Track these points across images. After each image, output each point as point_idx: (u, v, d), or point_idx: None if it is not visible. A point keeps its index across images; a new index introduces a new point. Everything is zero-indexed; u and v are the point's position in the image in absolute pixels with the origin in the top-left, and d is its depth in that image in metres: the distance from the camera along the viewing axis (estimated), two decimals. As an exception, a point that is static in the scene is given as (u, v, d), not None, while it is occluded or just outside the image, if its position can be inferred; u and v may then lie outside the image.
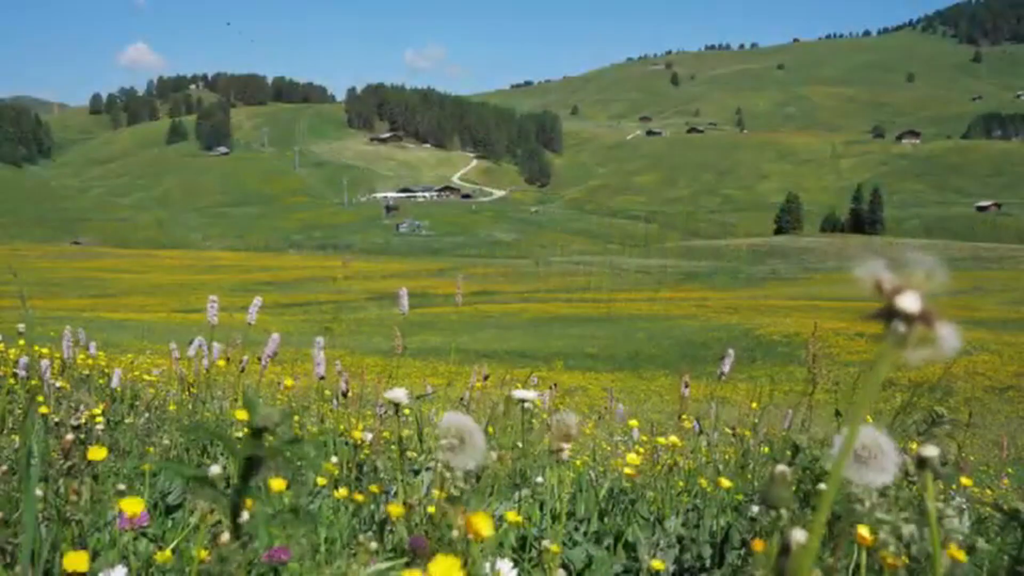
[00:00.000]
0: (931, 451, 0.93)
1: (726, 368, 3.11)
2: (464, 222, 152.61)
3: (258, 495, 0.80)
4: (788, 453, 1.43)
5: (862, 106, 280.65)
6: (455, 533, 1.06)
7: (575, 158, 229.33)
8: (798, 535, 0.77)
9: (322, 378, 3.14)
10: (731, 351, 3.15)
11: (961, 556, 0.97)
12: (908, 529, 0.98)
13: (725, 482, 2.35)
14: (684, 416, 3.27)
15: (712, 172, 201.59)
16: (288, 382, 4.22)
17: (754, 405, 3.29)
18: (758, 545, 0.99)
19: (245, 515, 0.81)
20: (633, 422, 4.25)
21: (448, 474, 1.05)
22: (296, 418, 4.71)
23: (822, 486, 0.98)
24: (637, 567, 2.20)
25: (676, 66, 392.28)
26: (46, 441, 2.41)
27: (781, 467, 0.86)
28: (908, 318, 0.52)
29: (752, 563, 0.83)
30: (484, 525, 0.95)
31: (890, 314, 0.52)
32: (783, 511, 0.84)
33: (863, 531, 1.02)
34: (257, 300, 3.24)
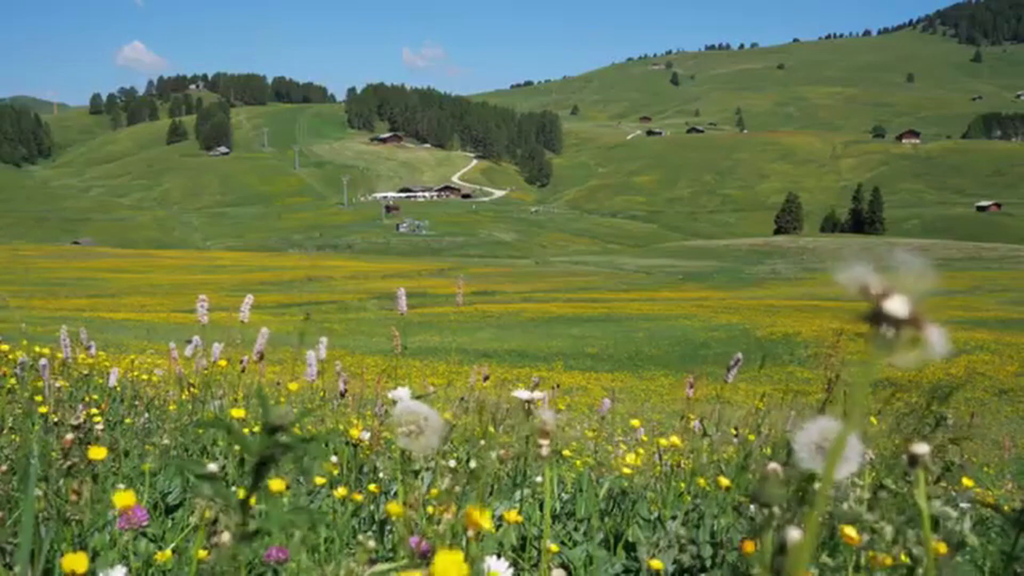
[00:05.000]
0: (922, 448, 0.92)
1: (731, 375, 3.09)
2: (464, 222, 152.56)
3: (267, 493, 0.81)
4: (787, 453, 1.42)
5: (862, 106, 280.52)
6: (441, 527, 1.06)
7: (575, 158, 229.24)
8: (794, 534, 0.77)
9: (314, 380, 3.15)
10: (739, 356, 3.13)
11: (942, 548, 0.97)
12: (890, 529, 0.98)
13: (724, 481, 2.35)
14: (691, 415, 3.27)
15: (712, 172, 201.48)
16: (292, 386, 4.22)
17: (759, 405, 3.28)
18: (748, 546, 0.99)
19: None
20: (635, 422, 4.25)
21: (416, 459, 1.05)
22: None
23: (817, 485, 0.98)
24: (637, 567, 2.20)
25: (676, 66, 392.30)
26: (46, 441, 2.41)
27: (773, 465, 0.86)
28: (896, 322, 0.51)
29: (747, 563, 0.83)
30: (482, 518, 0.95)
31: (878, 318, 0.52)
32: (776, 509, 0.83)
33: (849, 531, 1.02)
34: (248, 298, 3.23)
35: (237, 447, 0.81)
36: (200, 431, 3.05)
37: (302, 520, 0.81)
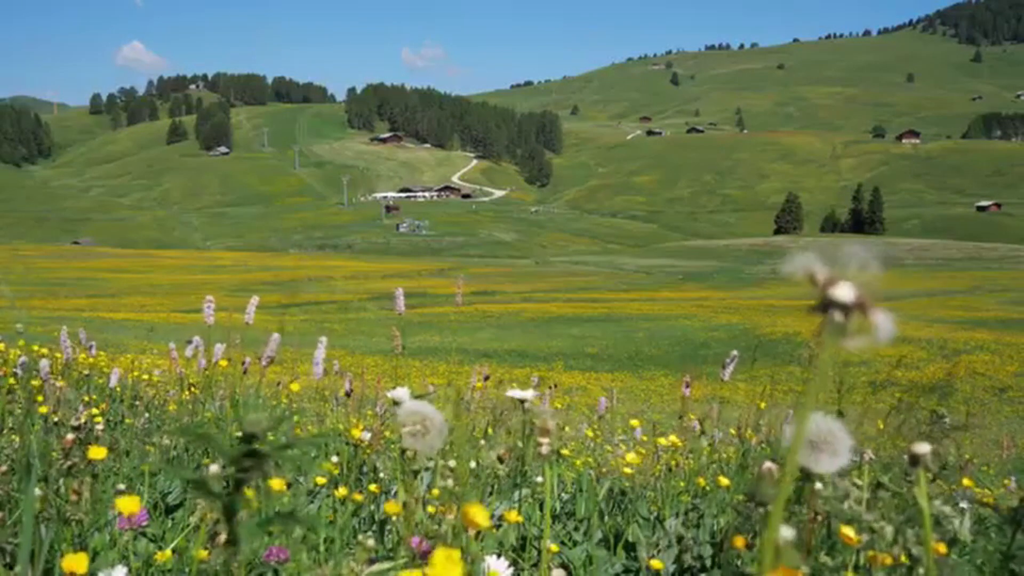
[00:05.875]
0: (923, 448, 0.93)
1: (728, 372, 3.09)
2: (464, 222, 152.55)
3: (247, 501, 0.80)
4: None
5: (862, 106, 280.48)
6: (443, 527, 1.06)
7: (575, 158, 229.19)
8: (786, 532, 0.78)
9: (320, 379, 3.14)
10: (735, 353, 3.12)
11: (942, 548, 0.97)
12: (890, 529, 0.98)
13: (723, 480, 2.35)
14: (690, 415, 3.27)
15: (712, 172, 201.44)
16: (294, 386, 4.22)
17: (762, 405, 3.28)
18: (739, 542, 0.99)
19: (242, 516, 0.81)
20: (635, 422, 4.25)
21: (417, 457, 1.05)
22: (296, 418, 4.71)
23: (819, 485, 0.98)
24: (637, 567, 2.20)
25: (676, 66, 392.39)
26: (46, 441, 2.41)
27: (768, 464, 0.86)
28: (844, 308, 0.54)
29: (742, 560, 0.83)
30: (480, 516, 0.95)
31: (827, 305, 0.55)
32: (771, 507, 0.84)
33: (847, 531, 1.02)
34: (254, 299, 3.23)
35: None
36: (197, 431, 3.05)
37: (287, 526, 0.81)
